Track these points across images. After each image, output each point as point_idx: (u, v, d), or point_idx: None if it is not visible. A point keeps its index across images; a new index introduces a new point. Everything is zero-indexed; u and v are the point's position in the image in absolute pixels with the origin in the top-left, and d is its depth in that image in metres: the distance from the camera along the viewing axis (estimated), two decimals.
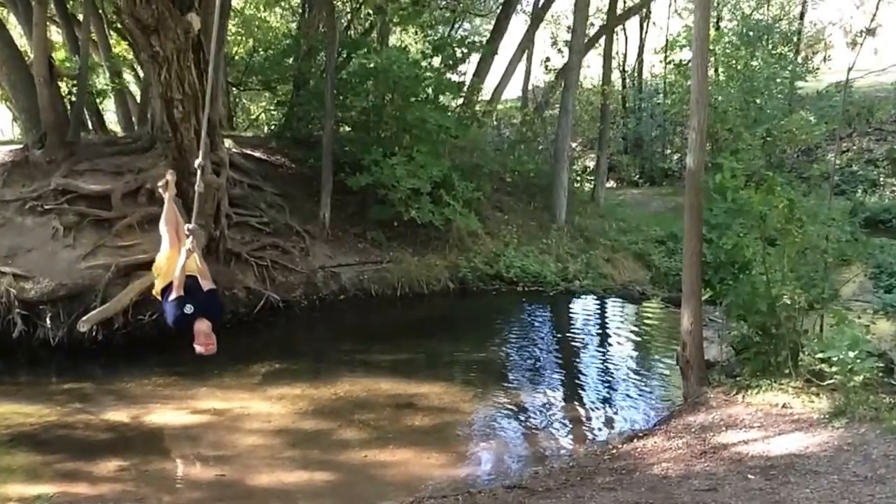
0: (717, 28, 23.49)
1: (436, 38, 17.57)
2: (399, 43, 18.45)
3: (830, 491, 4.48)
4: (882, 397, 5.94)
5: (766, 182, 7.12)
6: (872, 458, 4.92)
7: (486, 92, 20.43)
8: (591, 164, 25.27)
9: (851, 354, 5.82)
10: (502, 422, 7.62)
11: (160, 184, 6.41)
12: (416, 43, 17.61)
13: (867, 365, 5.83)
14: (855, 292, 9.43)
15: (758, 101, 18.77)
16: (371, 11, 17.44)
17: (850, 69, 8.79)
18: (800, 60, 23.51)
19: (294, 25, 20.55)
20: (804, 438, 5.51)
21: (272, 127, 20.78)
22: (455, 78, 17.48)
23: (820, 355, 6.13)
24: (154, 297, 5.56)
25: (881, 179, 23.46)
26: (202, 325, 5.12)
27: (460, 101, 17.92)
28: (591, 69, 27.31)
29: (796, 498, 4.46)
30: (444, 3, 20.82)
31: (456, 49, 17.15)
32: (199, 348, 5.19)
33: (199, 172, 5.53)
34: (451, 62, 16.72)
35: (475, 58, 19.21)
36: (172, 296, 5.12)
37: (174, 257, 5.42)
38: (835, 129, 18.42)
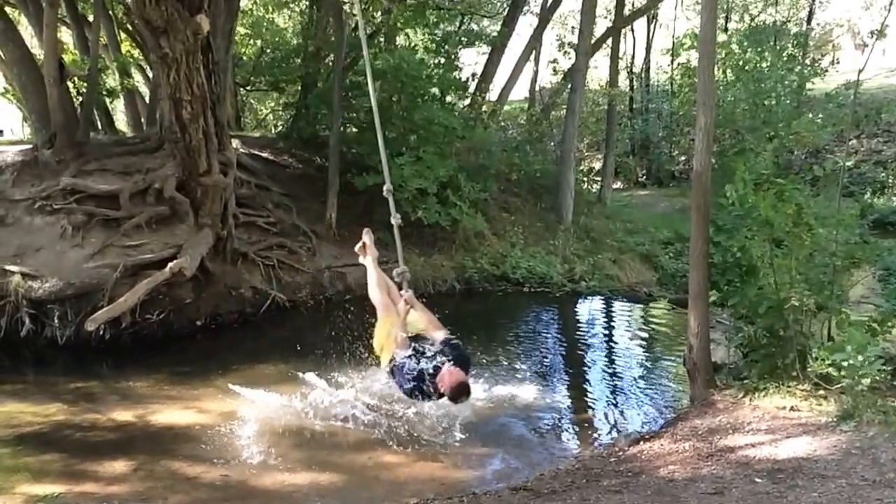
0: (725, 30, 23.43)
1: (439, 36, 17.60)
2: (406, 43, 18.45)
3: (838, 495, 4.45)
4: (890, 401, 5.91)
5: (776, 188, 7.09)
6: (881, 461, 4.89)
7: (494, 93, 20.44)
8: (598, 166, 25.26)
9: (860, 358, 5.80)
10: (507, 423, 7.61)
11: (357, 248, 5.81)
12: (421, 43, 17.64)
13: (875, 368, 5.81)
14: (864, 294, 9.39)
15: (766, 102, 18.70)
16: (379, 12, 17.46)
17: (860, 71, 8.75)
18: (808, 62, 23.44)
19: (300, 24, 20.57)
20: (812, 442, 5.49)
21: (279, 127, 20.83)
22: (462, 75, 17.49)
23: (829, 360, 6.10)
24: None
25: (890, 181, 23.37)
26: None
27: (467, 101, 17.92)
28: (598, 70, 27.31)
29: (804, 502, 4.43)
30: (448, 2, 20.82)
31: (461, 40, 17.18)
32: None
33: (390, 199, 5.16)
34: (452, 56, 16.71)
35: (482, 59, 19.21)
36: (403, 354, 4.59)
37: (394, 322, 4.90)
38: (843, 131, 18.35)
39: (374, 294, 5.29)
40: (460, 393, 4.42)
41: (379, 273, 5.48)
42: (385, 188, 5.29)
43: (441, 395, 4.49)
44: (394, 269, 5.09)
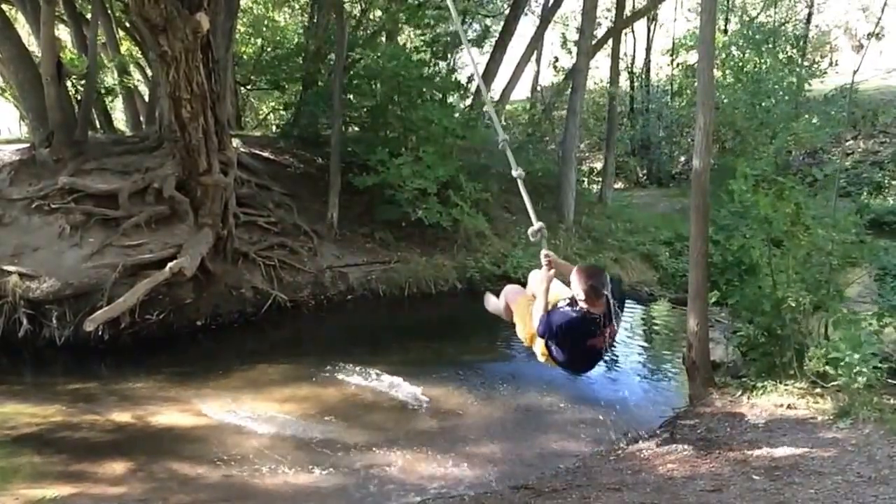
0: (725, 31, 23.44)
1: (432, 34, 17.58)
2: (406, 42, 18.46)
3: (835, 491, 4.47)
4: (886, 399, 5.94)
5: (776, 186, 7.11)
6: (876, 458, 4.92)
7: (495, 93, 20.43)
8: (599, 166, 25.27)
9: (856, 357, 5.82)
10: (508, 422, 7.62)
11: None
12: (421, 45, 17.63)
13: (871, 367, 5.83)
14: (860, 293, 9.41)
15: (764, 103, 18.73)
16: (380, 11, 17.50)
17: (855, 72, 8.78)
18: (806, 64, 23.47)
19: (301, 23, 20.57)
20: (809, 439, 5.51)
21: (280, 126, 20.83)
22: (462, 76, 17.53)
23: (825, 358, 6.12)
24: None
25: (886, 182, 23.39)
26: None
27: (468, 101, 17.90)
28: (599, 70, 27.31)
29: (800, 498, 4.45)
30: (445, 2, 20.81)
31: (449, 41, 17.19)
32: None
33: (507, 151, 4.98)
34: (441, 55, 16.67)
35: (484, 59, 19.22)
36: (542, 314, 4.41)
37: (530, 300, 4.73)
38: (840, 132, 18.37)
39: (502, 298, 5.19)
40: (590, 272, 4.27)
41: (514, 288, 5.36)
42: (500, 139, 5.09)
43: (600, 324, 4.44)
44: (528, 229, 4.88)
